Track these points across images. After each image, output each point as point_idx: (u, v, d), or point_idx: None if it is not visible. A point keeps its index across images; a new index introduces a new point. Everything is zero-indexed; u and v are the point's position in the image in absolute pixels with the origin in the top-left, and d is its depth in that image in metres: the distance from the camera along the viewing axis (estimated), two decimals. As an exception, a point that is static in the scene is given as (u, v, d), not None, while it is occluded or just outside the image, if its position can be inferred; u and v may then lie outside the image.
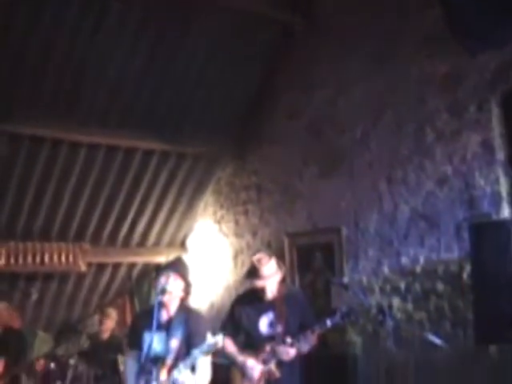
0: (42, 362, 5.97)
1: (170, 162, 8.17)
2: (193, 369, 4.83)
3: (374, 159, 6.66)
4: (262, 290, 5.44)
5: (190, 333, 4.99)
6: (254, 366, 5.35)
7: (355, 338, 6.62)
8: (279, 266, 5.50)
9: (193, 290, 5.35)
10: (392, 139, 6.55)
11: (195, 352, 4.71)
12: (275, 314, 5.45)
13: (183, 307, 5.15)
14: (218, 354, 5.17)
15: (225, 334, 5.11)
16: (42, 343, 6.35)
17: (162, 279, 4.99)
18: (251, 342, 5.46)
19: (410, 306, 6.28)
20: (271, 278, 5.43)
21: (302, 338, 5.31)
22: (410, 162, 6.39)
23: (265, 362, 5.36)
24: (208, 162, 8.47)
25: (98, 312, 8.23)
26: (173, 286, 5.02)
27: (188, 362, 4.76)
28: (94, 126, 7.33)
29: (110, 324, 7.81)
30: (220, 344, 4.70)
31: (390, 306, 6.28)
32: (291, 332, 5.38)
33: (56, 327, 8.72)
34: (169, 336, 4.97)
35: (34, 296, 7.94)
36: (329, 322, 5.30)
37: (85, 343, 7.56)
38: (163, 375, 4.84)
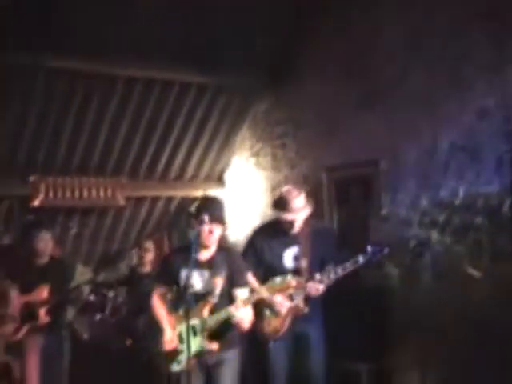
0: (81, 290, 6.04)
1: (207, 95, 8.09)
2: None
3: (413, 91, 6.49)
4: (290, 224, 5.40)
5: (231, 271, 4.99)
6: (283, 302, 5.34)
7: (392, 271, 6.58)
8: (308, 201, 5.46)
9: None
10: (431, 71, 6.37)
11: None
12: (300, 248, 5.43)
13: (222, 246, 5.18)
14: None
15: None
16: (81, 276, 6.41)
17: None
18: (274, 276, 5.19)
19: (448, 240, 6.19)
20: (300, 212, 5.39)
21: (333, 275, 5.29)
22: (450, 95, 6.21)
23: (291, 298, 5.35)
24: (245, 95, 8.38)
25: (137, 246, 8.31)
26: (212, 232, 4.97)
27: (250, 297, 4.88)
28: (131, 59, 7.23)
29: (148, 257, 7.88)
30: (293, 285, 4.91)
31: (429, 240, 6.20)
32: (315, 267, 5.36)
33: (95, 261, 8.83)
34: (212, 275, 4.94)
35: (74, 230, 8.02)
36: (361, 260, 5.25)
37: (124, 276, 7.62)
38: (205, 312, 4.87)
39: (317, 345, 5.51)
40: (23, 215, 7.89)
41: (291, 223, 5.40)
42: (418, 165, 6.47)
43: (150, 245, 7.98)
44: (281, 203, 5.41)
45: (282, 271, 5.36)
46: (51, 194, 7.83)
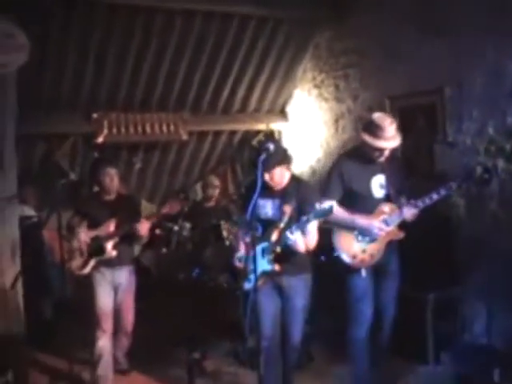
0: (145, 224, 6.09)
1: (268, 27, 7.99)
2: (303, 232, 5.08)
3: (477, 16, 6.29)
4: (381, 152, 5.27)
5: (301, 200, 5.21)
6: (382, 227, 5.29)
7: (458, 200, 6.49)
8: (398, 131, 5.32)
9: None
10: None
11: (309, 215, 4.90)
12: (386, 175, 5.35)
13: (294, 178, 5.43)
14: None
15: (330, 197, 5.31)
16: (146, 212, 6.47)
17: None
18: (361, 205, 5.35)
19: (515, 168, 6.08)
20: (393, 141, 5.27)
21: (428, 200, 5.23)
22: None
23: (387, 224, 5.31)
24: (306, 26, 8.23)
25: (201, 180, 8.36)
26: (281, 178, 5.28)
27: (301, 224, 4.98)
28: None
29: (212, 192, 7.93)
30: (333, 210, 4.88)
31: (495, 168, 6.07)
32: (400, 195, 5.34)
33: (159, 197, 8.93)
34: (282, 203, 5.20)
35: (137, 166, 8.11)
36: (453, 185, 5.19)
37: (189, 210, 7.68)
38: (274, 236, 5.16)
39: (396, 275, 5.52)
40: (87, 152, 8.00)
41: (382, 151, 5.27)
42: (484, 91, 6.29)
43: (215, 181, 8.02)
44: (373, 129, 5.22)
45: (371, 199, 5.37)
46: (114, 131, 7.91)
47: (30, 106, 7.06)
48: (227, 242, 7.37)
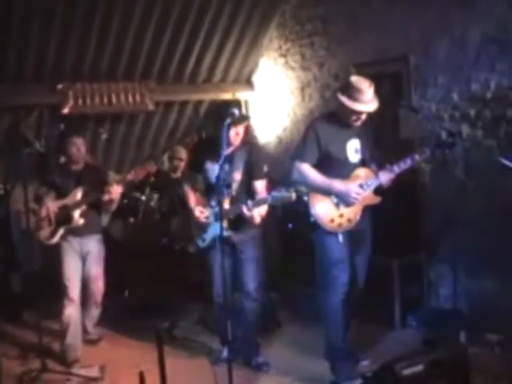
0: (116, 189, 6.09)
1: (234, -5, 7.96)
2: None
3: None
4: (359, 116, 5.24)
5: (250, 164, 5.52)
6: (359, 191, 5.28)
7: (424, 166, 6.56)
8: (375, 96, 5.28)
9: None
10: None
11: (268, 199, 5.27)
12: (361, 140, 5.36)
13: (244, 140, 5.67)
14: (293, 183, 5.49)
15: (305, 160, 5.32)
16: (115, 181, 6.46)
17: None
18: (338, 169, 5.33)
19: (479, 134, 6.12)
20: (371, 104, 5.23)
21: (402, 165, 5.26)
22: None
23: (362, 187, 5.32)
24: (271, -6, 8.22)
25: (168, 151, 8.34)
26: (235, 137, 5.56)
27: (258, 203, 5.38)
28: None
29: (178, 163, 7.92)
30: (293, 200, 5.10)
31: (460, 134, 6.13)
32: (374, 160, 5.38)
33: (126, 168, 8.89)
34: (232, 168, 5.47)
35: (104, 136, 8.04)
36: (427, 151, 5.24)
37: (155, 180, 7.67)
38: (226, 204, 5.50)
39: (369, 239, 5.55)
40: (53, 123, 7.93)
41: (359, 115, 5.23)
42: (449, 59, 6.33)
43: (181, 152, 8.01)
44: (352, 92, 5.15)
45: (347, 164, 5.35)
46: (80, 101, 7.85)
47: (-5, 78, 7.02)
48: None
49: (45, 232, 6.13)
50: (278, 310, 6.95)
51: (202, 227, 5.78)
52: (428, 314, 6.42)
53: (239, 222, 5.60)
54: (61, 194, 6.23)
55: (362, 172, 5.35)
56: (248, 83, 9.09)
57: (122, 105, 8.11)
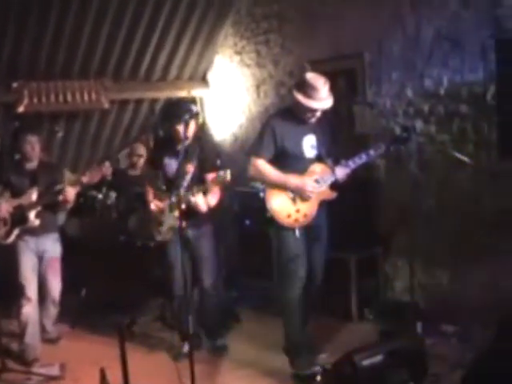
0: (71, 191, 6.09)
1: (190, -8, 7.97)
2: (205, 193, 5.70)
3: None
4: (314, 113, 5.30)
5: (202, 158, 5.75)
6: (315, 187, 5.34)
7: (378, 161, 6.66)
8: (330, 93, 5.33)
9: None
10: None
11: (208, 182, 5.50)
12: (317, 136, 5.42)
13: (198, 135, 5.97)
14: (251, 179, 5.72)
15: (260, 156, 5.37)
16: (70, 182, 6.43)
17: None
18: (293, 164, 5.37)
19: (433, 129, 6.25)
20: (326, 101, 5.28)
21: (358, 160, 5.34)
22: (434, -18, 6.17)
23: (318, 183, 5.37)
24: (227, -10, 8.26)
25: (127, 148, 8.33)
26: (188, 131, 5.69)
27: (201, 187, 5.59)
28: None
29: (137, 160, 7.90)
30: (228, 178, 5.25)
31: (414, 129, 6.23)
32: (330, 155, 5.42)
33: (82, 167, 8.85)
34: (185, 161, 5.67)
35: (60, 134, 8.00)
36: (383, 147, 5.35)
37: (113, 178, 7.64)
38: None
39: (324, 234, 5.58)
40: (8, 122, 7.85)
41: (313, 112, 5.29)
42: (403, 55, 6.45)
43: (140, 149, 8.00)
44: (307, 89, 5.19)
45: (302, 159, 5.40)
46: (35, 100, 7.78)
47: None
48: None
49: (0, 232, 6.08)
50: (237, 305, 7.00)
51: (158, 220, 5.98)
52: (384, 306, 6.54)
53: (192, 215, 5.71)
54: (15, 193, 6.17)
55: (317, 168, 5.39)
56: (203, 81, 9.10)
57: (77, 103, 8.05)
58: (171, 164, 5.86)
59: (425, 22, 6.22)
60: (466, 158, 5.26)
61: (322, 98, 5.23)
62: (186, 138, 5.60)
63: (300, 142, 5.38)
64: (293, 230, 5.35)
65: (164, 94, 8.87)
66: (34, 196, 6.12)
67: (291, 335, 5.55)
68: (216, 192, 5.85)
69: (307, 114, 5.31)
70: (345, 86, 7.00)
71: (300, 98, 5.22)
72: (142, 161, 7.85)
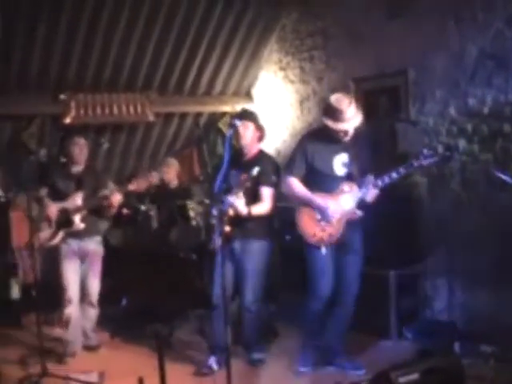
0: (117, 196, 6.18)
1: (235, 9, 8.05)
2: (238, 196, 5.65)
3: (441, -1, 6.44)
4: (344, 133, 5.40)
5: (260, 171, 5.53)
6: (337, 208, 5.43)
7: (420, 180, 6.64)
8: (358, 108, 5.43)
9: (266, 132, 6.06)
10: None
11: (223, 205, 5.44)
12: (349, 155, 5.47)
13: (260, 152, 6.00)
14: (286, 197, 5.78)
15: (292, 175, 5.58)
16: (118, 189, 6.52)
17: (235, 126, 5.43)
18: (323, 183, 5.51)
19: (476, 148, 6.22)
20: (353, 121, 5.36)
21: (387, 179, 5.33)
22: (479, 1, 6.14)
23: (346, 203, 5.44)
24: (273, 8, 8.32)
25: (162, 162, 8.42)
26: (244, 131, 5.81)
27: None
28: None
29: (172, 174, 7.96)
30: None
31: (457, 148, 6.23)
32: (364, 174, 5.43)
33: (126, 178, 8.95)
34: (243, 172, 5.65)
35: (105, 146, 8.11)
36: (415, 163, 5.27)
37: (153, 190, 7.72)
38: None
39: (359, 251, 5.64)
40: (55, 133, 7.99)
41: (345, 132, 5.39)
42: (446, 74, 6.44)
43: (172, 161, 8.08)
44: (333, 113, 5.32)
45: (333, 178, 5.51)
46: (82, 112, 7.92)
47: (-2, 87, 7.09)
48: (194, 222, 7.46)
49: (45, 234, 6.21)
50: (276, 320, 7.01)
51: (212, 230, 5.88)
52: (423, 325, 6.49)
53: (240, 224, 5.75)
54: (60, 196, 6.31)
55: (346, 186, 5.46)
56: (247, 96, 9.17)
57: (123, 115, 8.18)
58: (233, 175, 5.68)
59: (469, 40, 6.21)
60: (508, 178, 5.23)
61: (348, 119, 5.32)
62: (244, 143, 5.86)
63: (331, 161, 5.49)
64: (319, 247, 5.49)
65: (208, 109, 9.00)
66: (80, 200, 6.24)
67: (306, 348, 5.90)
68: (268, 201, 5.80)
69: (340, 134, 5.40)
70: (388, 103, 7.01)
71: (328, 122, 5.36)
72: (173, 173, 7.91)
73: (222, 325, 5.34)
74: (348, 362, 5.78)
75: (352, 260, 5.61)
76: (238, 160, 5.79)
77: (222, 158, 5.18)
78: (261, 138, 5.99)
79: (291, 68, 8.49)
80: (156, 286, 7.05)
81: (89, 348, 6.62)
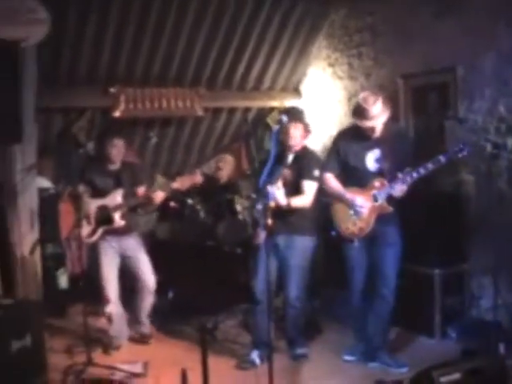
0: (159, 195, 6.25)
1: (283, 4, 8.03)
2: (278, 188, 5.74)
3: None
4: (371, 130, 5.57)
5: (302, 166, 5.88)
6: (363, 204, 5.59)
7: (467, 178, 6.60)
8: (386, 106, 5.54)
9: (311, 129, 6.19)
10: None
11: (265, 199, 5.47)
12: (382, 151, 5.58)
13: (304, 149, 6.08)
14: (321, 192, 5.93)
15: (327, 170, 5.85)
16: (160, 187, 6.59)
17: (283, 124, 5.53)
18: (357, 178, 5.71)
19: (524, 146, 6.17)
20: (379, 118, 5.51)
21: (415, 174, 5.38)
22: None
23: (375, 199, 5.54)
24: (321, 3, 8.30)
25: (216, 158, 8.47)
26: (294, 131, 5.93)
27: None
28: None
29: (226, 170, 8.02)
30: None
31: (505, 146, 6.18)
32: (397, 169, 5.47)
33: (174, 172, 9.03)
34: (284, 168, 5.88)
35: (154, 140, 8.17)
36: (442, 159, 5.30)
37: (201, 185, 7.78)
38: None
39: (394, 245, 5.72)
40: (104, 126, 8.09)
41: (372, 129, 5.57)
42: (496, 71, 6.37)
43: (228, 158, 8.14)
44: (359, 112, 5.54)
45: (365, 173, 5.68)
46: (131, 105, 7.97)
47: (49, 80, 7.18)
48: (240, 217, 7.52)
49: (84, 230, 6.30)
50: (320, 316, 7.03)
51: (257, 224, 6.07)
52: (468, 325, 6.45)
53: (283, 218, 5.84)
54: (99, 192, 6.41)
55: (377, 182, 5.60)
56: (296, 92, 9.18)
57: (171, 110, 8.22)
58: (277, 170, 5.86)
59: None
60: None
61: (373, 116, 5.49)
62: (292, 144, 5.97)
63: (363, 157, 5.67)
64: (352, 241, 5.71)
65: (257, 104, 9.02)
66: (119, 197, 6.32)
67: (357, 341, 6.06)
68: (310, 194, 5.90)
69: (368, 131, 5.59)
70: (437, 100, 6.96)
71: (355, 119, 5.61)
72: (228, 171, 7.96)
73: (265, 320, 5.44)
74: (391, 359, 5.81)
75: (387, 253, 5.72)
76: (283, 155, 5.94)
77: (269, 153, 5.26)
78: (307, 136, 6.09)
79: (339, 64, 8.47)
80: (202, 280, 7.12)
81: (141, 337, 6.74)
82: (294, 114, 6.10)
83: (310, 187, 5.89)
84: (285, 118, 5.39)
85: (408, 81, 7.30)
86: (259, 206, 5.69)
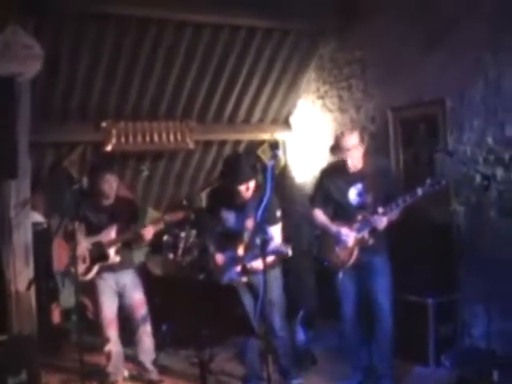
0: (151, 229, 6.23)
1: (274, 39, 8.18)
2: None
3: (478, 28, 6.46)
4: (349, 163, 5.71)
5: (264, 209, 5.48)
6: (349, 234, 5.68)
7: (458, 208, 6.67)
8: (362, 139, 5.73)
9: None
10: (496, 9, 6.31)
11: (268, 251, 5.20)
12: (364, 184, 5.71)
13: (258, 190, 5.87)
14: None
15: (315, 206, 5.99)
16: (152, 221, 6.59)
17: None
18: (341, 212, 5.83)
19: (513, 177, 6.25)
20: (353, 151, 5.66)
21: (394, 207, 5.48)
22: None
23: (358, 231, 5.66)
24: (310, 38, 8.43)
25: (205, 189, 8.51)
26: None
27: (254, 256, 5.57)
28: (199, 5, 7.29)
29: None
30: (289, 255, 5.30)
31: (494, 177, 6.26)
32: (380, 202, 5.58)
33: (165, 205, 9.08)
34: (244, 216, 5.81)
35: (145, 173, 8.23)
36: (419, 191, 5.38)
37: (194, 217, 7.81)
38: (241, 250, 5.80)
39: (382, 273, 5.79)
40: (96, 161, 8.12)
41: (346, 162, 5.71)
42: (484, 102, 6.47)
43: None
44: (336, 145, 5.75)
45: (349, 207, 5.79)
46: (123, 139, 8.03)
47: (42, 115, 7.24)
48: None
49: (80, 268, 6.15)
50: (314, 346, 7.04)
51: (221, 270, 5.98)
52: (461, 353, 6.48)
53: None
54: (93, 229, 6.35)
55: (360, 216, 5.70)
56: (286, 124, 9.27)
57: (163, 143, 8.29)
58: (228, 217, 5.94)
59: (506, 69, 6.24)
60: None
61: (345, 150, 5.67)
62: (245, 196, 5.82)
63: (346, 192, 5.81)
64: (337, 272, 5.84)
65: (247, 136, 9.11)
66: (113, 233, 6.29)
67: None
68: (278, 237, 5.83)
69: (346, 164, 5.73)
70: (426, 132, 7.05)
71: (332, 153, 6.02)
72: None
73: (256, 353, 5.48)
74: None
75: (378, 282, 5.80)
76: (232, 199, 5.86)
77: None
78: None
79: (329, 97, 8.57)
80: (197, 313, 7.11)
81: (151, 383, 6.58)
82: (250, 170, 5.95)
83: (277, 231, 5.83)
84: (279, 153, 5.48)
85: (397, 113, 7.39)
86: (258, 241, 5.45)
